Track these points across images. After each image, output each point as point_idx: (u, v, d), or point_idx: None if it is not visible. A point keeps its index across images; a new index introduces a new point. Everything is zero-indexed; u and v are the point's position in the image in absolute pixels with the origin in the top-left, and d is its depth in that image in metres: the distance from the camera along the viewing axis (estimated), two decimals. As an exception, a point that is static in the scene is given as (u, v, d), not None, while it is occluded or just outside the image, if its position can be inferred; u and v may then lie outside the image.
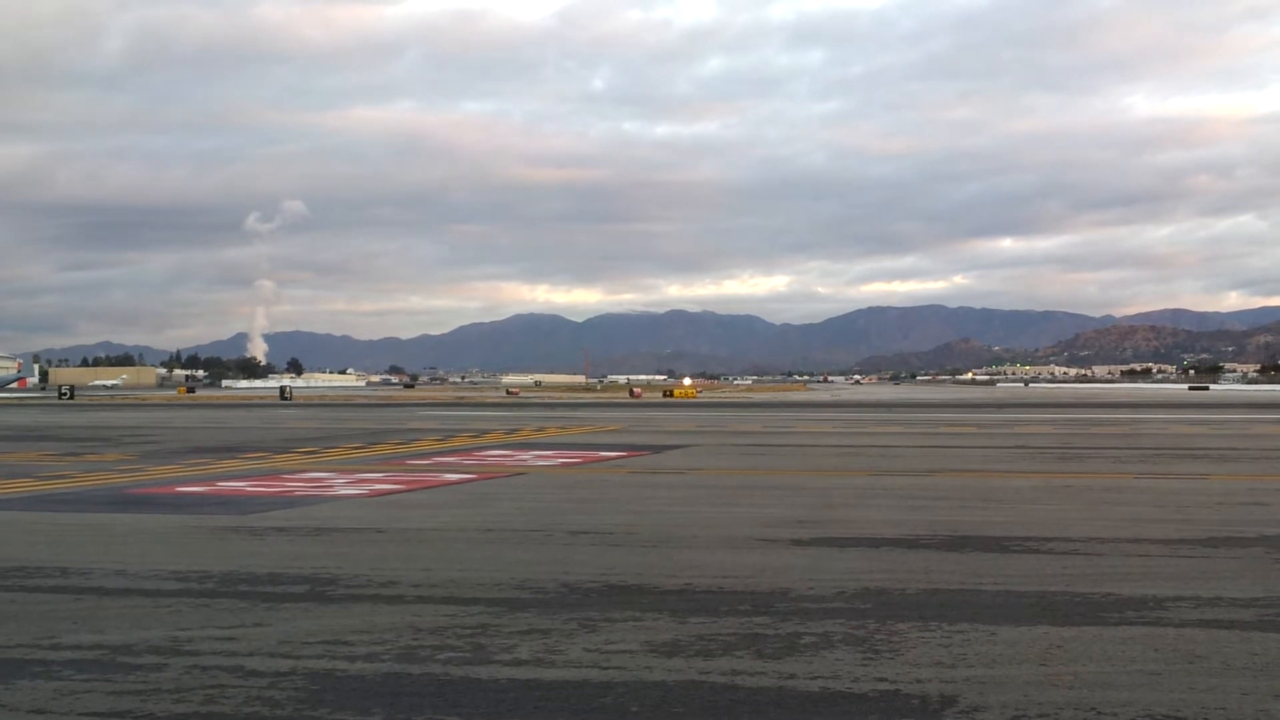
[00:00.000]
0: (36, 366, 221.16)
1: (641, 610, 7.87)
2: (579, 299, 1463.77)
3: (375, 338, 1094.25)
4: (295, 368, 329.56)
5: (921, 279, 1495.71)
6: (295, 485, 17.64)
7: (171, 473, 20.19)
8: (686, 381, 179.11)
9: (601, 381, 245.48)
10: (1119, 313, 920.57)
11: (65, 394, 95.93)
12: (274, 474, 19.82)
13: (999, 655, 6.62)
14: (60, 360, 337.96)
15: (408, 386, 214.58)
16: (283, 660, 6.57)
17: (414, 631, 7.26)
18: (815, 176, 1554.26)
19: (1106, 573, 9.37)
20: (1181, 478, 18.52)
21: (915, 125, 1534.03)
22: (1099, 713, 5.56)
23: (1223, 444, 28.53)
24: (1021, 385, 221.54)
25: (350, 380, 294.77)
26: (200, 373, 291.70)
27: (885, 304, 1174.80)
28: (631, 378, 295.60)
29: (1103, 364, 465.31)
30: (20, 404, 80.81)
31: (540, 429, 38.17)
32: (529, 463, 22.40)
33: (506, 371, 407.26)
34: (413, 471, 20.30)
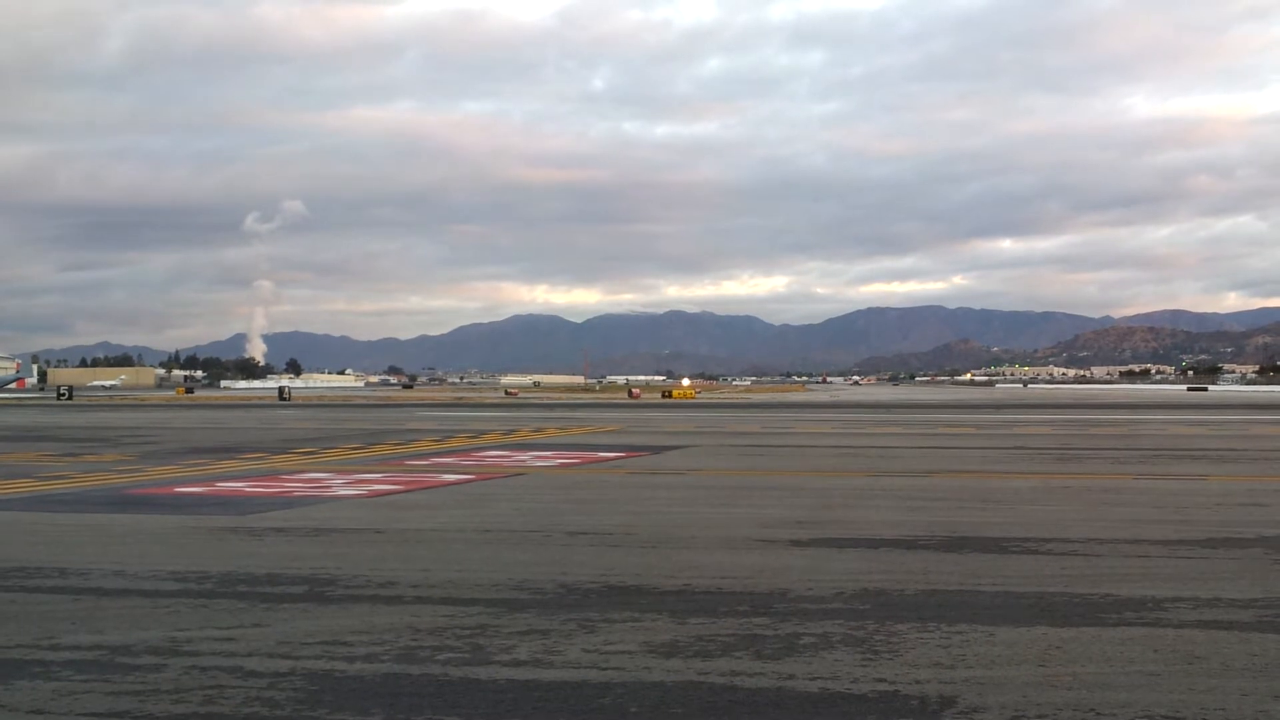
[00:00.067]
0: (35, 367, 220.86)
1: (640, 611, 7.87)
2: (578, 299, 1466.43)
3: (374, 338, 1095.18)
4: (294, 368, 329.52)
5: (921, 280, 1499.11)
6: (294, 486, 17.64)
7: (170, 473, 20.19)
8: (685, 382, 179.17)
9: (600, 382, 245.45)
10: (1118, 313, 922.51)
11: (64, 394, 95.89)
12: (273, 474, 19.82)
13: (998, 656, 6.62)
14: (59, 361, 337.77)
15: (406, 387, 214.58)
16: (282, 661, 6.56)
17: (413, 632, 7.26)
18: (815, 177, 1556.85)
19: (1105, 573, 9.37)
20: (1180, 479, 18.53)
21: (915, 126, 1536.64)
22: (1098, 713, 5.56)
23: (1221, 445, 28.54)
24: (1020, 386, 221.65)
25: (349, 381, 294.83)
26: (199, 373, 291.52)
27: (884, 305, 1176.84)
28: (630, 378, 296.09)
29: (1102, 365, 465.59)
30: (19, 404, 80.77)
31: (539, 430, 38.17)
32: (527, 463, 22.40)
33: (505, 372, 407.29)
34: (411, 472, 20.29)
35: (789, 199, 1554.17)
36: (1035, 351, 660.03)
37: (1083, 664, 6.46)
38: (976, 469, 20.88)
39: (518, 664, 6.49)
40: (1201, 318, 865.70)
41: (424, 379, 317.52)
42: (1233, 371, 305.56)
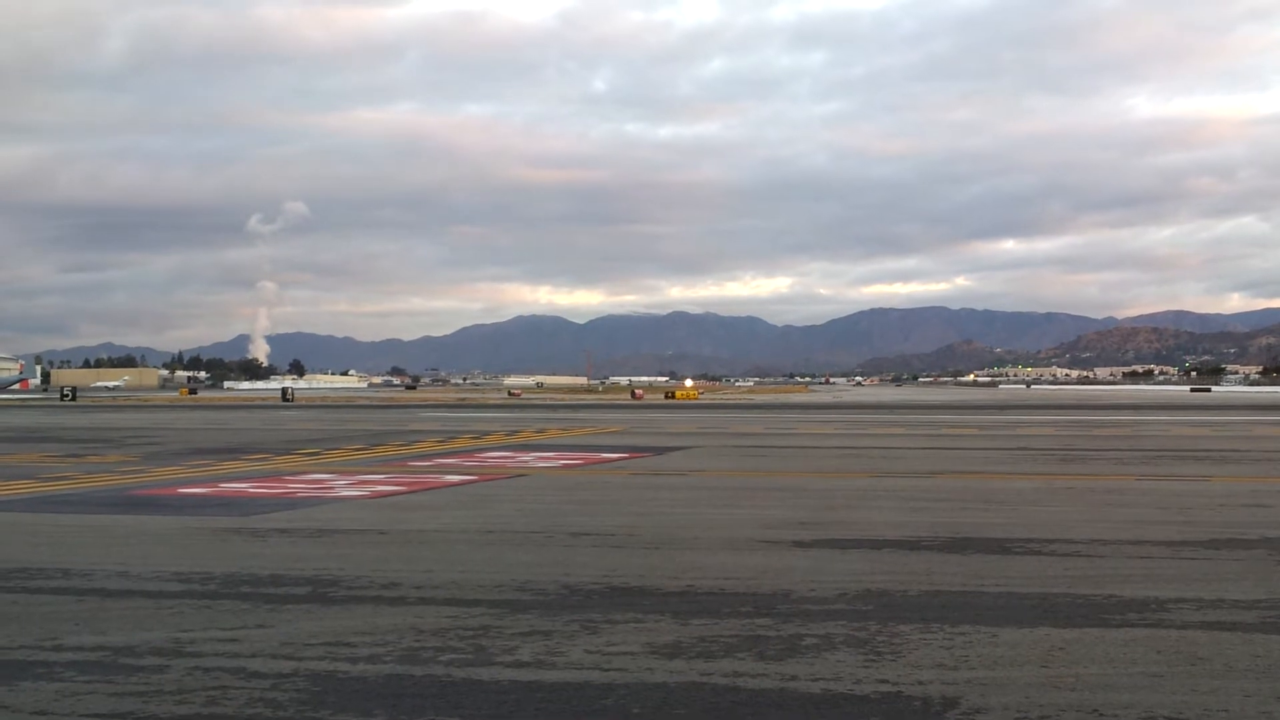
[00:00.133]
0: (38, 368, 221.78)
1: (643, 612, 7.88)
2: (581, 300, 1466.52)
3: (377, 339, 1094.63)
4: (297, 369, 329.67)
5: (923, 280, 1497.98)
6: (297, 487, 17.65)
7: (174, 474, 20.20)
8: (688, 383, 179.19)
9: (603, 383, 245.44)
10: (1121, 314, 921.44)
11: (67, 395, 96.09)
12: (276, 475, 19.84)
13: (1001, 657, 6.62)
14: (62, 362, 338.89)
15: (409, 388, 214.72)
16: (285, 662, 6.57)
17: (416, 633, 7.27)
18: (816, 178, 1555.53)
19: (1108, 574, 9.37)
20: (1183, 479, 18.51)
21: (916, 126, 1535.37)
22: (1101, 714, 5.55)
23: (1225, 446, 28.51)
24: (1023, 387, 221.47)
25: (352, 382, 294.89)
26: (202, 374, 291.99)
27: (887, 305, 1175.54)
28: (633, 379, 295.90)
29: (1104, 365, 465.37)
30: (22, 405, 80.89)
31: (542, 430, 38.18)
32: (530, 464, 22.41)
33: (508, 373, 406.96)
34: (414, 473, 20.31)
35: (791, 200, 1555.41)
36: (1038, 352, 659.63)
37: (1086, 665, 6.45)
38: (979, 470, 20.87)
39: (520, 665, 6.50)
40: (1205, 318, 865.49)
41: (427, 380, 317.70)
42: (1236, 372, 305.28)
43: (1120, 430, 37.67)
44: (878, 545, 11.03)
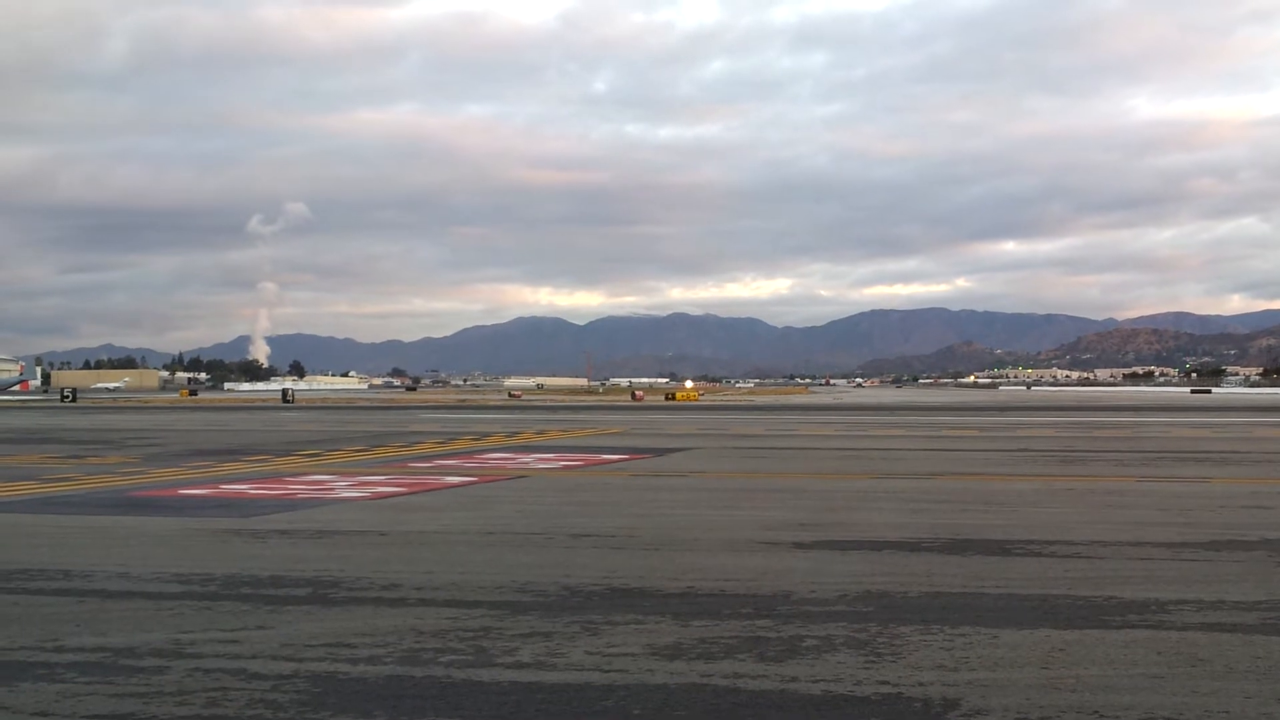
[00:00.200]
0: (39, 369, 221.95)
1: (643, 613, 7.88)
2: (581, 302, 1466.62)
3: (378, 340, 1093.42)
4: (297, 370, 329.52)
5: (924, 282, 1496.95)
6: (297, 488, 17.65)
7: (174, 475, 20.21)
8: (688, 384, 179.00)
9: (604, 384, 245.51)
10: (1121, 315, 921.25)
11: (68, 396, 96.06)
12: (276, 477, 19.84)
13: (1001, 658, 6.62)
14: (63, 363, 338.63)
15: (410, 389, 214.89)
16: (285, 663, 6.57)
17: (416, 634, 7.27)
18: (817, 179, 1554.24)
19: (1109, 576, 9.37)
20: (1184, 481, 18.52)
21: (917, 128, 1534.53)
22: (1101, 716, 5.56)
23: (1225, 447, 28.51)
24: (1023, 388, 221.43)
25: (352, 383, 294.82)
26: (202, 375, 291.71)
27: (887, 307, 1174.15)
28: (634, 380, 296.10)
29: (1105, 367, 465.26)
30: (23, 406, 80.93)
31: (542, 432, 38.18)
32: (531, 465, 22.42)
33: (509, 374, 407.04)
34: (415, 474, 20.31)
35: (791, 201, 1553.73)
36: (1038, 354, 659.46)
37: (1086, 666, 6.46)
38: (980, 471, 20.88)
39: (521, 666, 6.50)
40: (1205, 320, 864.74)
41: (427, 381, 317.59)
42: (1237, 374, 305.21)
43: (1120, 432, 37.67)
44: (878, 547, 11.03)
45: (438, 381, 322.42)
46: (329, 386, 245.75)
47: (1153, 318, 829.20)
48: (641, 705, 5.77)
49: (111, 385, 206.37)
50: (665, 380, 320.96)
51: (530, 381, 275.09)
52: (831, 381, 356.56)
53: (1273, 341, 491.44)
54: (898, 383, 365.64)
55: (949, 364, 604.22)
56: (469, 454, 26.20)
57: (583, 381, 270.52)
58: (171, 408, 78.88)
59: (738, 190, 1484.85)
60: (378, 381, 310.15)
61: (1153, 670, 6.37)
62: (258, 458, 24.80)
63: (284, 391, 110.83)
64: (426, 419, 52.07)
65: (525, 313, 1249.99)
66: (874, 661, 6.54)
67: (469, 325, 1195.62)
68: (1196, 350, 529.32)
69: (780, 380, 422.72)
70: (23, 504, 15.56)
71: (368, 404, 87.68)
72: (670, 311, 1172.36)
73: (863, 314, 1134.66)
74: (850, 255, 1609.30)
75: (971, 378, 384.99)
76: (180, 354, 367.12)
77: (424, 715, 5.65)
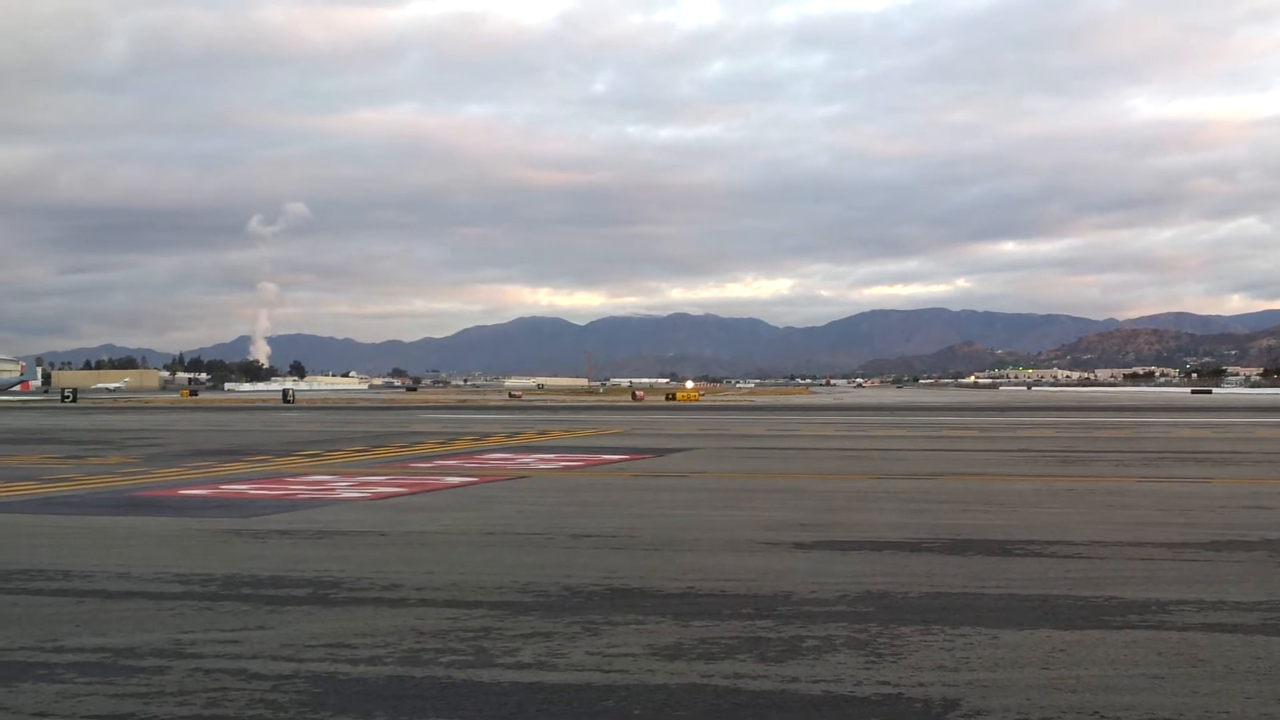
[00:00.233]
0: (39, 369, 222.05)
1: (644, 613, 7.88)
2: (581, 302, 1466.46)
3: (378, 340, 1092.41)
4: (298, 370, 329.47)
5: (924, 282, 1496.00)
6: (298, 488, 17.65)
7: (175, 476, 20.21)
8: (689, 384, 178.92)
9: (604, 384, 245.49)
10: (1121, 316, 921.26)
11: (68, 397, 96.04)
12: (277, 477, 19.84)
13: (1002, 659, 6.62)
14: (63, 363, 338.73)
15: (410, 389, 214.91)
16: (286, 663, 6.57)
17: (416, 634, 7.27)
18: (818, 179, 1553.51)
19: (1109, 576, 9.36)
20: (1184, 481, 18.52)
21: (917, 128, 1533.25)
22: (1102, 716, 5.55)
23: (1225, 447, 28.51)
24: (1024, 389, 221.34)
25: (353, 383, 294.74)
26: (203, 375, 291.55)
27: (888, 307, 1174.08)
28: (634, 381, 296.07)
29: (1105, 367, 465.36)
30: (23, 407, 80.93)
31: (543, 432, 38.18)
32: (531, 466, 22.42)
33: (509, 374, 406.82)
34: (415, 474, 20.31)
35: (792, 201, 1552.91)
36: (1039, 354, 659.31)
37: (1086, 667, 6.45)
38: (980, 471, 20.87)
39: (521, 666, 6.50)
40: (1205, 320, 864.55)
41: (428, 381, 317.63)
42: (1237, 374, 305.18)
43: (1121, 432, 37.67)
44: (879, 547, 11.03)
45: (438, 382, 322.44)
46: (329, 387, 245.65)
47: (1153, 318, 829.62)
48: (642, 705, 5.77)
49: (112, 385, 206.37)
50: (666, 380, 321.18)
51: (531, 382, 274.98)
52: (832, 382, 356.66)
53: (1273, 342, 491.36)
54: (898, 383, 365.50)
55: (950, 364, 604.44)
56: (469, 454, 26.19)
57: (583, 382, 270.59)
58: (172, 408, 78.88)
59: (738, 190, 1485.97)
60: (378, 382, 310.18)
61: (1153, 671, 6.36)
62: (258, 458, 24.80)
63: (284, 392, 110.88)
64: (427, 419, 52.07)
65: (526, 313, 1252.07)
66: (874, 662, 6.53)
67: (469, 325, 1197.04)
68: (1197, 350, 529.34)
69: (781, 380, 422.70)
70: (23, 504, 15.56)
71: (368, 404, 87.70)
72: (671, 312, 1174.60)
73: (863, 314, 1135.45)
74: (850, 255, 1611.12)
75: (972, 378, 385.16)
76: (181, 354, 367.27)
77: (424, 716, 5.65)
